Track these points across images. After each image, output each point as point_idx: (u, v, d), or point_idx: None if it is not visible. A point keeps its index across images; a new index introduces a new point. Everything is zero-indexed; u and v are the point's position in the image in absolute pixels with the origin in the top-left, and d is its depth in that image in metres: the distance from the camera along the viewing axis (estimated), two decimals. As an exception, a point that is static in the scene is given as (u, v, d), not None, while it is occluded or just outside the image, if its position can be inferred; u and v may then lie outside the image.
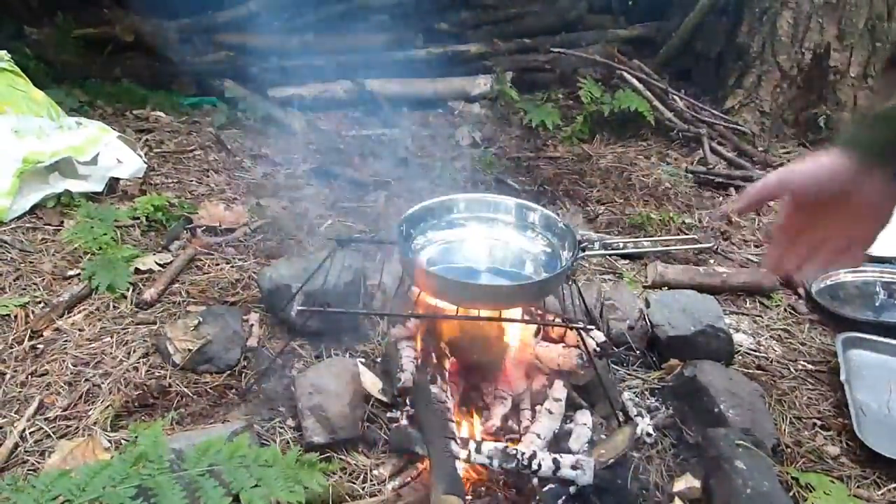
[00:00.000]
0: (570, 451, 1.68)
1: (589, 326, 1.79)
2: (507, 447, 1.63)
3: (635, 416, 1.84)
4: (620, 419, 1.82)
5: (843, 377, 1.99)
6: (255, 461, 1.27)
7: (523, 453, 1.60)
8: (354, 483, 1.62)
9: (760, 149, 3.83)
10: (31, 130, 2.74)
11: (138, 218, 2.63)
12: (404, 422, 1.75)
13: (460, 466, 1.57)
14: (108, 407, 1.77)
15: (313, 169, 3.34)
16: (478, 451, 1.61)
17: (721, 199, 3.37)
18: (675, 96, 4.16)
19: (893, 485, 1.73)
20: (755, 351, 2.24)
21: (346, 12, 4.81)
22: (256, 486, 1.22)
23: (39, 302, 2.15)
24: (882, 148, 0.87)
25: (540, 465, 1.58)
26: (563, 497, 1.58)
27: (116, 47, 4.42)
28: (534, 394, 1.86)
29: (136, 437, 1.34)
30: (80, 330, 2.05)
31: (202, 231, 2.65)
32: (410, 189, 3.22)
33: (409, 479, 1.64)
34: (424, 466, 1.63)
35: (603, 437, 1.77)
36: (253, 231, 2.70)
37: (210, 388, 1.88)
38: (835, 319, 2.37)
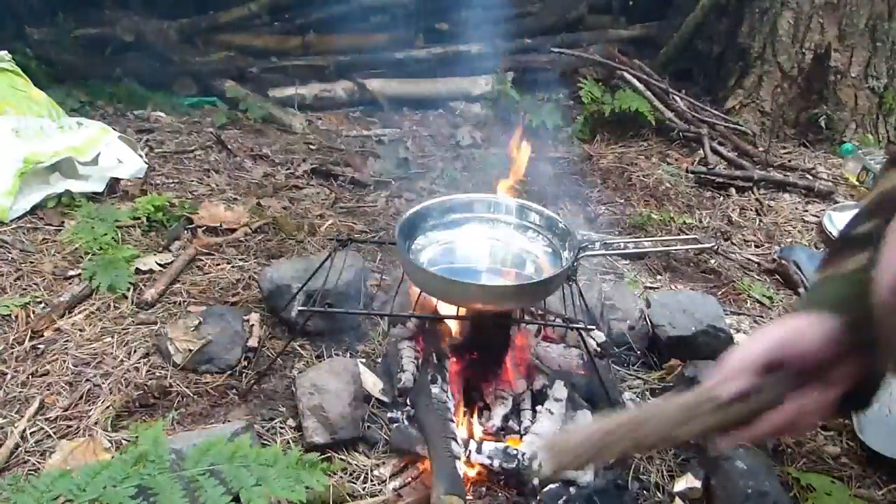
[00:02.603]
0: (570, 452, 1.68)
1: (589, 326, 1.79)
2: (507, 447, 1.63)
3: (636, 416, 1.84)
4: (621, 419, 1.81)
5: (843, 377, 1.99)
6: (256, 461, 1.27)
7: (524, 453, 1.60)
8: (355, 483, 1.62)
9: (761, 149, 3.83)
10: (31, 131, 2.73)
11: (139, 218, 2.62)
12: (405, 422, 1.75)
13: (461, 466, 1.57)
14: (108, 407, 1.77)
15: (313, 169, 3.34)
16: (478, 451, 1.62)
17: (721, 198, 3.37)
18: (675, 96, 4.16)
19: (894, 485, 1.73)
20: (755, 351, 2.24)
21: (347, 12, 4.81)
22: (257, 485, 1.22)
23: (40, 302, 2.15)
24: (836, 300, 0.91)
25: (541, 466, 1.59)
26: (564, 497, 1.58)
27: (116, 47, 4.43)
28: (534, 394, 1.86)
29: (137, 437, 1.34)
30: (80, 330, 2.05)
31: (203, 231, 2.65)
32: (410, 189, 3.22)
33: (409, 479, 1.64)
34: (425, 466, 1.63)
35: (603, 437, 1.77)
36: (253, 231, 2.69)
37: (210, 389, 1.88)
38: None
